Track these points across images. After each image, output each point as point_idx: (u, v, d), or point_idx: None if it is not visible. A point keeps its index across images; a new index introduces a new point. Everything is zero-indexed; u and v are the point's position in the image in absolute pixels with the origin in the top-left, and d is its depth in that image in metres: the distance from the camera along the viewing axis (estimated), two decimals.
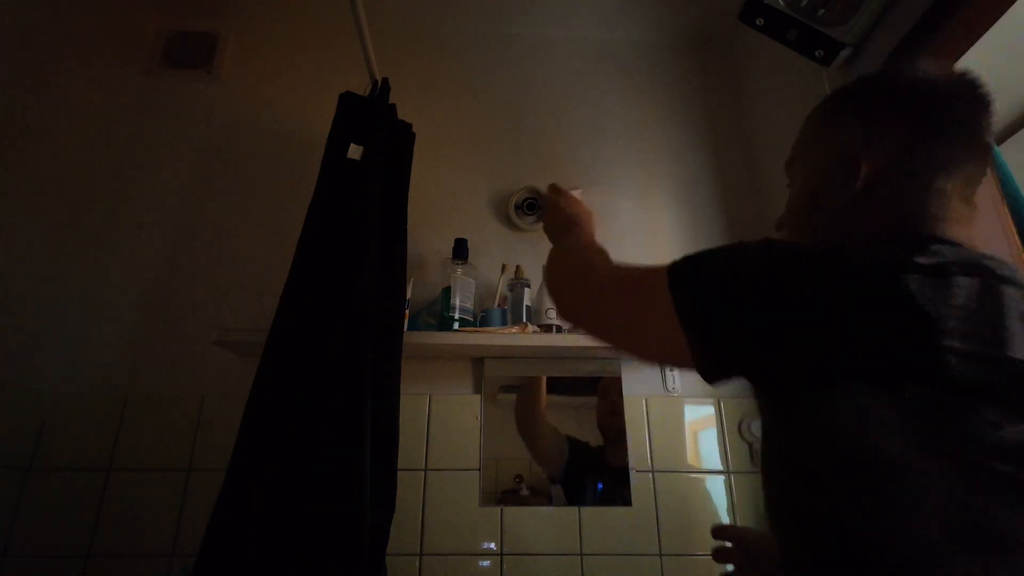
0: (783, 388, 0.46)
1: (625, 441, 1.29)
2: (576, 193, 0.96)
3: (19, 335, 1.20)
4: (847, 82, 0.63)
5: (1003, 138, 1.62)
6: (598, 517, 1.23)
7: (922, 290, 0.40)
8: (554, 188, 0.94)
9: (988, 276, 0.43)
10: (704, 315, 0.49)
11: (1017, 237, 0.90)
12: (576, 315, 0.69)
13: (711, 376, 0.49)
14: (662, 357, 0.60)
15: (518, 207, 1.48)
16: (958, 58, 0.98)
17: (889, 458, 0.40)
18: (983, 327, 0.40)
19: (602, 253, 0.73)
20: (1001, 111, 1.62)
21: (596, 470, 1.28)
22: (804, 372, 0.44)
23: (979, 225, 0.55)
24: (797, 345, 0.43)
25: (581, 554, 1.19)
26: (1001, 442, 0.37)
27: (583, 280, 0.69)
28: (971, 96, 0.55)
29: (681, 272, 0.52)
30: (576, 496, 1.25)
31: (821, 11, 1.10)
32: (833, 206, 0.58)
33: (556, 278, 0.78)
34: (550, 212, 0.91)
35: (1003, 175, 0.98)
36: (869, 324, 0.41)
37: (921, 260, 0.43)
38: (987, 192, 0.92)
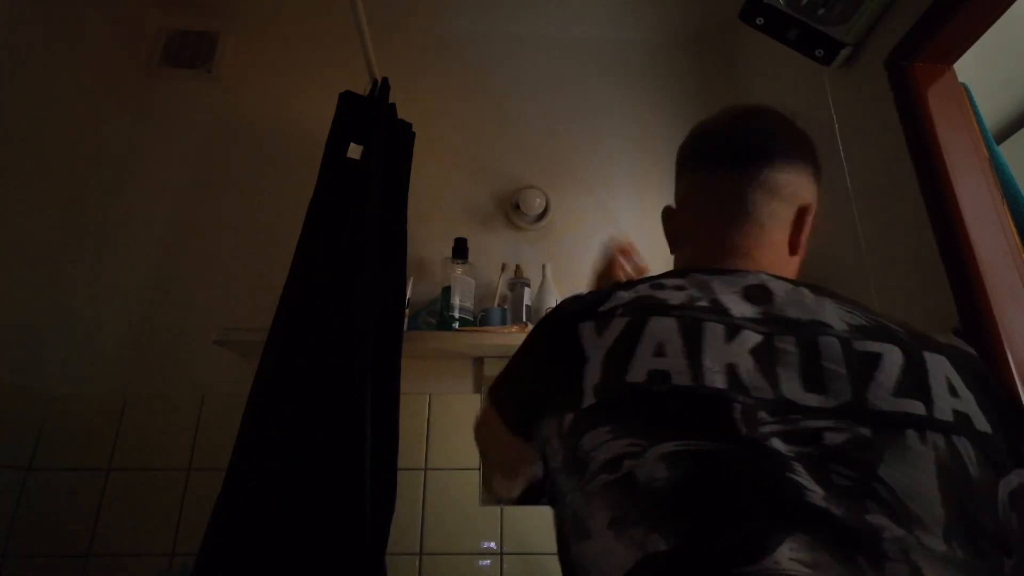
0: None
1: None
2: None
3: (19, 335, 1.20)
4: None
5: (1003, 138, 1.62)
6: None
7: (588, 335, 0.49)
8: (614, 243, 0.89)
9: (641, 313, 0.49)
10: (498, 396, 0.61)
11: (1017, 237, 0.90)
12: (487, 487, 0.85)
13: (514, 431, 0.58)
14: (512, 474, 0.68)
15: (516, 207, 1.48)
16: (958, 58, 0.98)
17: (555, 474, 0.49)
18: (618, 359, 0.46)
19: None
20: (1001, 111, 1.62)
21: None
22: (525, 421, 0.55)
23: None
24: (522, 401, 0.56)
25: None
26: (610, 455, 0.43)
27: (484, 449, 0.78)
28: (735, 132, 0.62)
29: (492, 387, 0.63)
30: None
31: (821, 10, 1.10)
32: (671, 248, 0.69)
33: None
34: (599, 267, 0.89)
35: (1003, 175, 0.97)
36: (554, 373, 0.50)
37: (601, 308, 0.51)
38: (986, 191, 0.92)
